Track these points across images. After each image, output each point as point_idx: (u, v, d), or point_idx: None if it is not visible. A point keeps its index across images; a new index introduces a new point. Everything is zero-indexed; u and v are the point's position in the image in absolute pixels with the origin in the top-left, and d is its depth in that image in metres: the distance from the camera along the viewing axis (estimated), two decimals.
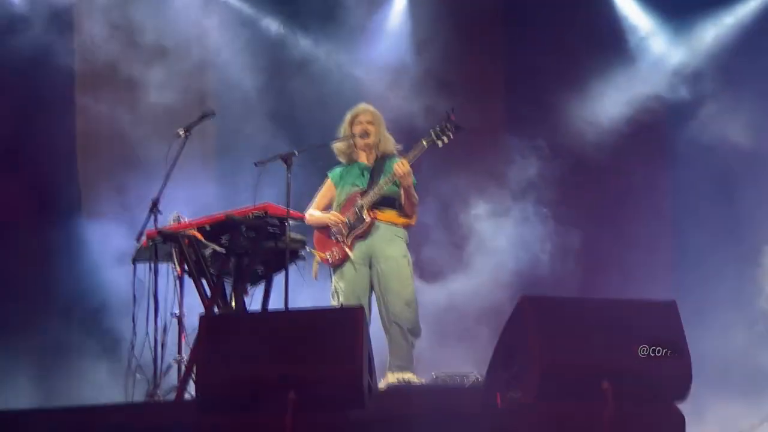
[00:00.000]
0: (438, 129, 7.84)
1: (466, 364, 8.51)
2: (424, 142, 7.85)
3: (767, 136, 9.66)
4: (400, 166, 7.75)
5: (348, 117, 8.19)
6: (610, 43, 10.37)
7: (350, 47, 10.57)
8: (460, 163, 9.71)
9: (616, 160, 10.22)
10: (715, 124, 9.76)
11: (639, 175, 10.23)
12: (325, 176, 8.31)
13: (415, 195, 7.96)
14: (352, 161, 8.22)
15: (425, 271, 9.72)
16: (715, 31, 10.15)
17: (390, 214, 8.00)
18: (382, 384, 7.35)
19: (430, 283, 9.80)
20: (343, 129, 8.19)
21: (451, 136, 7.83)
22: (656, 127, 10.27)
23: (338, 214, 8.02)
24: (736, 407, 7.77)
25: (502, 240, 9.98)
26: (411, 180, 7.83)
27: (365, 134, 8.07)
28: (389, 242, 7.95)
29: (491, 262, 9.97)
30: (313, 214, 8.16)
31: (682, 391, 6.39)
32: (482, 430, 6.35)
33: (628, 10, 10.46)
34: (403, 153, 8.01)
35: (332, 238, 8.01)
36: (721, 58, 10.03)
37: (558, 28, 10.18)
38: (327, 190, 8.26)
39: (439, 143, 7.86)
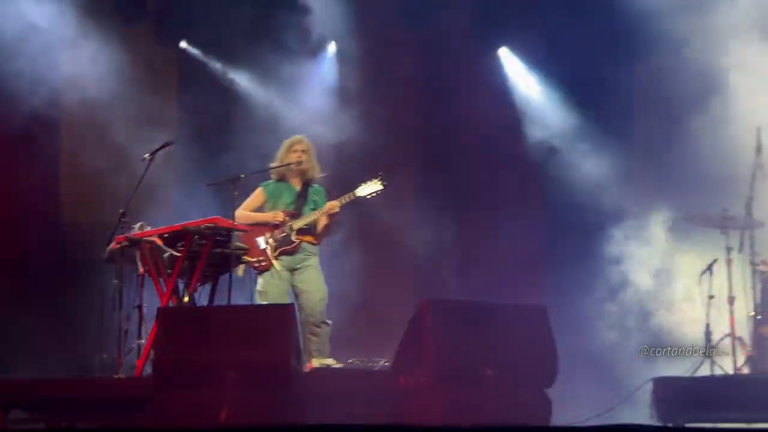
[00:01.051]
0: (366, 185, 8.22)
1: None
2: (354, 194, 8.24)
3: (622, 166, 10.16)
4: (333, 207, 8.17)
5: (286, 144, 8.48)
6: (504, 98, 10.79)
7: (288, 90, 10.71)
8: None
9: (504, 187, 10.55)
10: (583, 158, 10.33)
11: (521, 200, 10.54)
12: (257, 186, 8.51)
13: (335, 227, 8.46)
14: (283, 180, 8.50)
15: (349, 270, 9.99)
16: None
17: (309, 237, 8.32)
18: (306, 368, 7.59)
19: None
20: (281, 154, 8.47)
21: (377, 194, 8.23)
22: (536, 162, 10.64)
23: (281, 213, 8.27)
24: (595, 392, 8.18)
25: (407, 245, 10.36)
26: (336, 217, 8.28)
27: (299, 161, 8.37)
28: (307, 256, 8.30)
29: (397, 264, 10.41)
30: (249, 214, 8.37)
31: (550, 380, 6.87)
32: (387, 406, 6.65)
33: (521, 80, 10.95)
34: (326, 181, 8.40)
35: (260, 248, 8.24)
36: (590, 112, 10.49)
37: (468, 94, 10.57)
38: (257, 197, 8.50)
39: (365, 197, 8.24)
